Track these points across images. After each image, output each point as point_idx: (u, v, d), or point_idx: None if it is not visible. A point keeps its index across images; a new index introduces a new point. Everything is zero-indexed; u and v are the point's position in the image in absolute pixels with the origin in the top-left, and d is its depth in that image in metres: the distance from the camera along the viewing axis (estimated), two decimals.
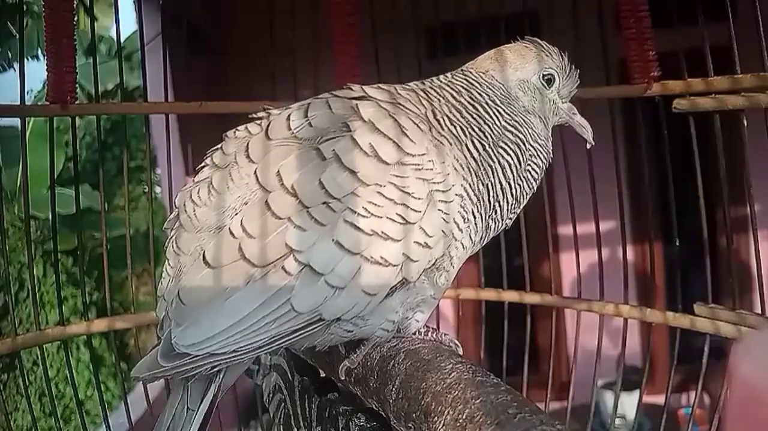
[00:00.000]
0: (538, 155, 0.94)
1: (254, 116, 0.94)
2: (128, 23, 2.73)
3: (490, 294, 1.70)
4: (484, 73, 0.95)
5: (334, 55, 1.59)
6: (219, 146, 0.92)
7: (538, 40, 0.98)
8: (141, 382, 1.59)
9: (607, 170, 1.56)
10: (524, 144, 0.92)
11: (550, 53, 0.97)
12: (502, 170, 0.90)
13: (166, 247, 0.91)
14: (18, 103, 1.50)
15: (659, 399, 1.59)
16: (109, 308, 1.61)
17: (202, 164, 0.92)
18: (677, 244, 1.50)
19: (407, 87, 0.94)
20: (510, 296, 1.68)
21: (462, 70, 0.98)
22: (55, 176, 1.61)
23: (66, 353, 1.53)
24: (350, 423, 0.91)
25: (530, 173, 0.94)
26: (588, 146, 1.04)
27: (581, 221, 1.60)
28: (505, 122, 0.91)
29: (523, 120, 0.93)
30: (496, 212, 0.91)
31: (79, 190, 1.67)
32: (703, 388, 1.44)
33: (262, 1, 1.82)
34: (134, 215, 6.54)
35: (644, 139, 1.54)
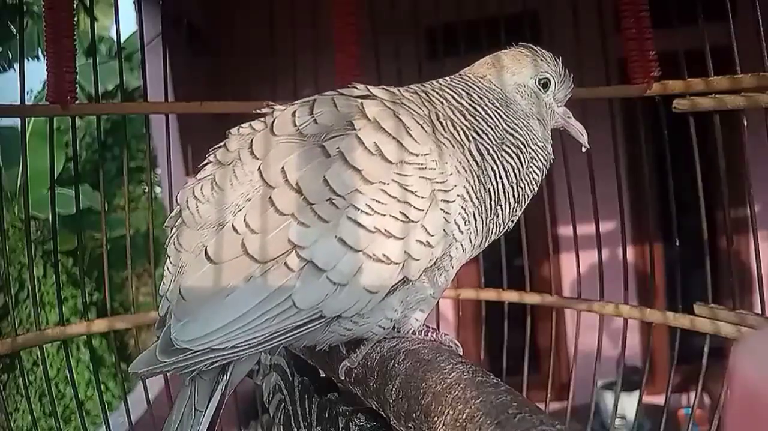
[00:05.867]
0: (538, 157, 0.96)
1: (258, 111, 0.94)
2: (128, 23, 2.74)
3: (490, 294, 1.70)
4: (481, 78, 0.96)
5: (334, 55, 1.59)
6: (222, 143, 0.92)
7: (534, 46, 1.00)
8: (141, 382, 1.59)
9: (607, 170, 1.56)
10: (525, 147, 0.93)
11: (545, 58, 0.98)
12: (506, 174, 0.91)
13: (167, 245, 0.90)
14: (18, 103, 1.51)
15: (659, 399, 1.59)
16: (109, 308, 1.61)
17: (205, 162, 0.93)
18: (677, 244, 1.50)
19: (410, 89, 0.95)
20: (510, 296, 1.68)
21: (460, 74, 0.99)
22: (55, 176, 1.61)
23: (66, 353, 1.53)
24: (350, 423, 0.91)
25: (531, 175, 0.95)
26: (583, 150, 1.07)
27: (581, 221, 1.60)
28: (506, 125, 0.92)
29: (523, 123, 0.94)
30: (497, 216, 0.92)
31: (79, 190, 1.67)
32: (703, 388, 1.44)
33: (262, 1, 1.82)
34: (134, 215, 6.53)
35: (644, 139, 1.54)
